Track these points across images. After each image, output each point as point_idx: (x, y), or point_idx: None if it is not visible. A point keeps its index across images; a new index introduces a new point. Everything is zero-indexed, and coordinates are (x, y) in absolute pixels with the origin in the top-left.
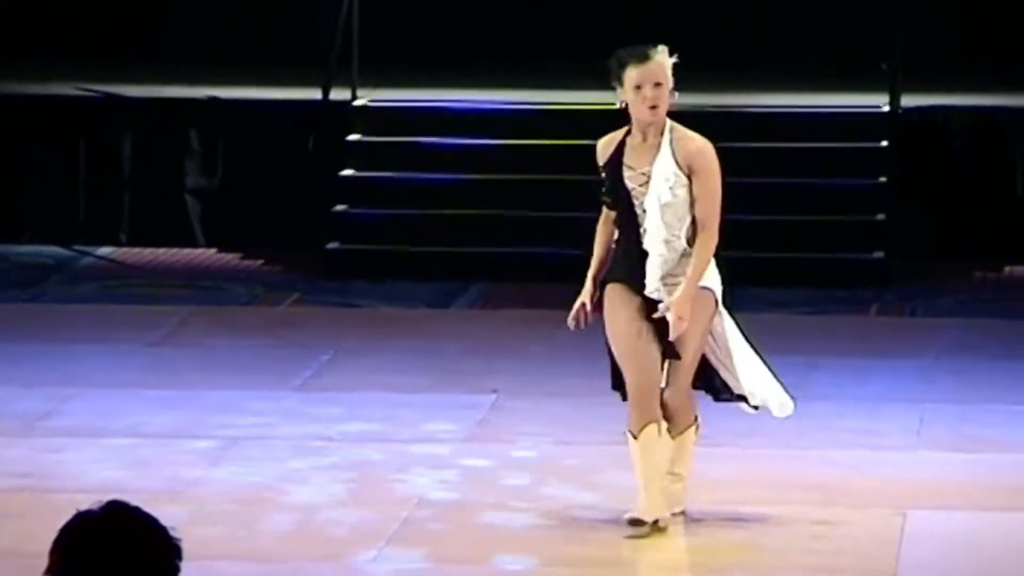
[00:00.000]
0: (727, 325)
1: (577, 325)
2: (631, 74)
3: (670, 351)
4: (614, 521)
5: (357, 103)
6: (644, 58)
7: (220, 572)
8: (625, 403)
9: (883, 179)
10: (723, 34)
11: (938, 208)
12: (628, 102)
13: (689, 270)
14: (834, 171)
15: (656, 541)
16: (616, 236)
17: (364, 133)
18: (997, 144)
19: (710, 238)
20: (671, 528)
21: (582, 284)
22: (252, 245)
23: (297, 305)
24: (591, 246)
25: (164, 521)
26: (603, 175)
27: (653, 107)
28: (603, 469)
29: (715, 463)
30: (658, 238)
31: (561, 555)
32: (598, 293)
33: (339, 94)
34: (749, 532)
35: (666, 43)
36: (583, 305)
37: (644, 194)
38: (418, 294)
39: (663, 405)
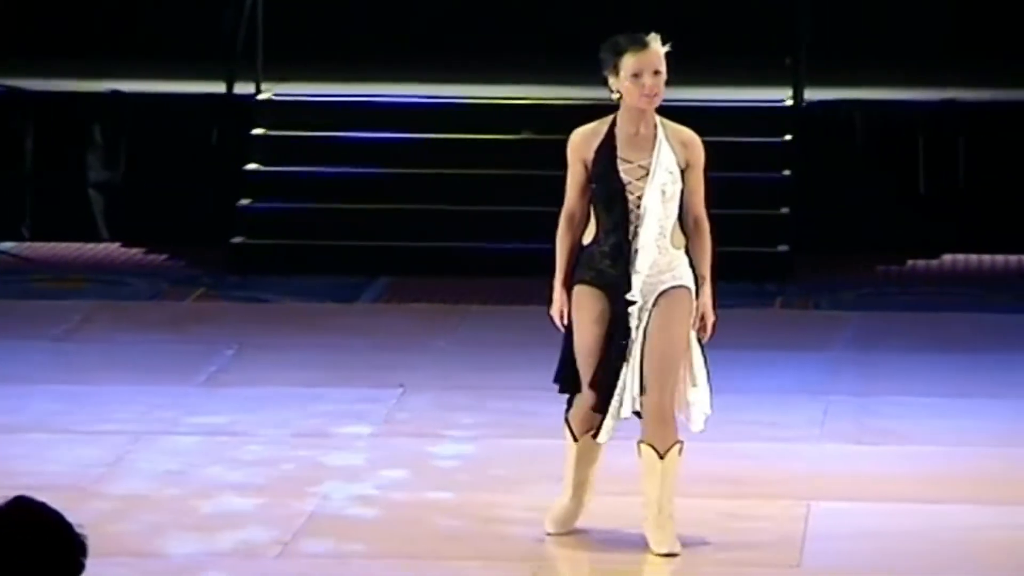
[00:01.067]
0: (694, 338)
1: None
2: (629, 61)
3: (655, 358)
4: (523, 511)
5: (261, 97)
6: (643, 45)
7: (126, 568)
8: (560, 395)
9: (787, 173)
10: (626, 28)
11: (842, 202)
12: (623, 91)
13: (701, 268)
14: (738, 165)
15: (568, 539)
16: (594, 234)
17: (268, 127)
18: (900, 138)
19: (708, 234)
20: (581, 522)
21: (486, 278)
22: (156, 239)
23: (202, 300)
24: (496, 240)
25: (69, 517)
26: (589, 168)
27: (651, 95)
28: (509, 462)
29: (622, 456)
30: (651, 237)
31: (476, 549)
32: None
33: (243, 88)
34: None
35: (568, 37)
36: (562, 322)
37: (641, 189)
38: (323, 288)
39: (645, 416)
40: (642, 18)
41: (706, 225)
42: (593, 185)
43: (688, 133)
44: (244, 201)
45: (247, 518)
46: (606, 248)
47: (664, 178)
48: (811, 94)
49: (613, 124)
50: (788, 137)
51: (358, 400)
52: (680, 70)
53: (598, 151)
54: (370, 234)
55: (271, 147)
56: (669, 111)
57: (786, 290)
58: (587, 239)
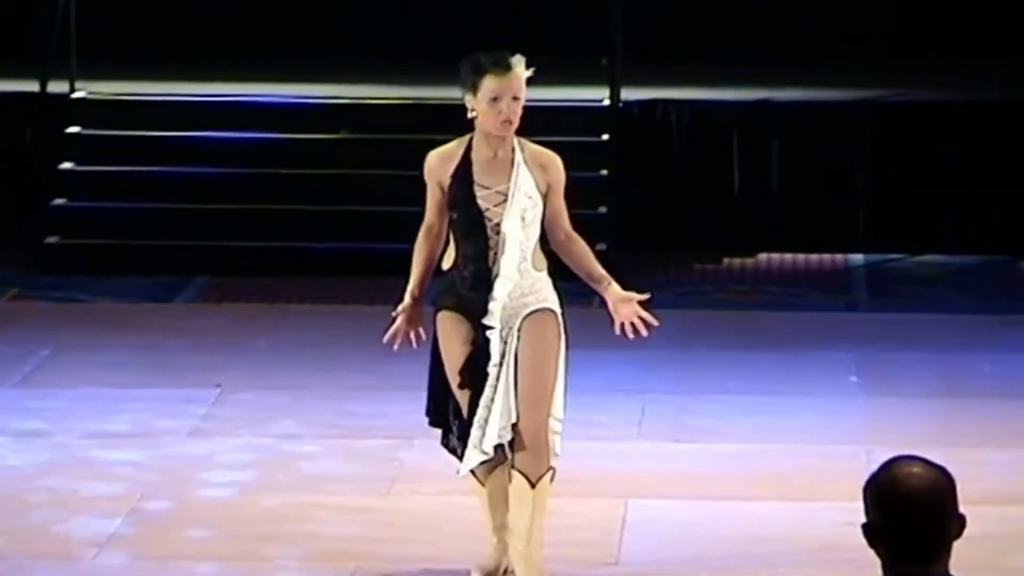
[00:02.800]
0: (561, 359)
1: (399, 345)
2: (489, 84)
3: (527, 380)
4: (337, 511)
5: (76, 95)
6: (506, 68)
7: None
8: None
9: (604, 172)
10: (441, 28)
11: (659, 201)
12: (479, 112)
13: (596, 269)
14: None
15: (382, 532)
16: (454, 260)
17: (83, 126)
18: (716, 137)
19: (583, 241)
20: (396, 522)
21: (304, 277)
22: None
23: (15, 300)
24: (314, 239)
25: None
26: (445, 191)
27: (507, 122)
28: (327, 461)
29: (434, 455)
30: (512, 263)
31: (291, 550)
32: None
33: (57, 86)
34: (470, 524)
35: (382, 36)
36: (409, 327)
37: (500, 215)
38: (140, 289)
39: (518, 441)
40: (458, 17)
41: (576, 236)
42: (451, 211)
43: (547, 155)
44: (58, 201)
45: (62, 520)
46: (466, 275)
47: (523, 203)
48: (627, 94)
49: (469, 147)
50: (605, 137)
51: (175, 400)
52: None
53: (454, 175)
54: (187, 234)
55: (86, 146)
56: None
57: None
58: (447, 263)
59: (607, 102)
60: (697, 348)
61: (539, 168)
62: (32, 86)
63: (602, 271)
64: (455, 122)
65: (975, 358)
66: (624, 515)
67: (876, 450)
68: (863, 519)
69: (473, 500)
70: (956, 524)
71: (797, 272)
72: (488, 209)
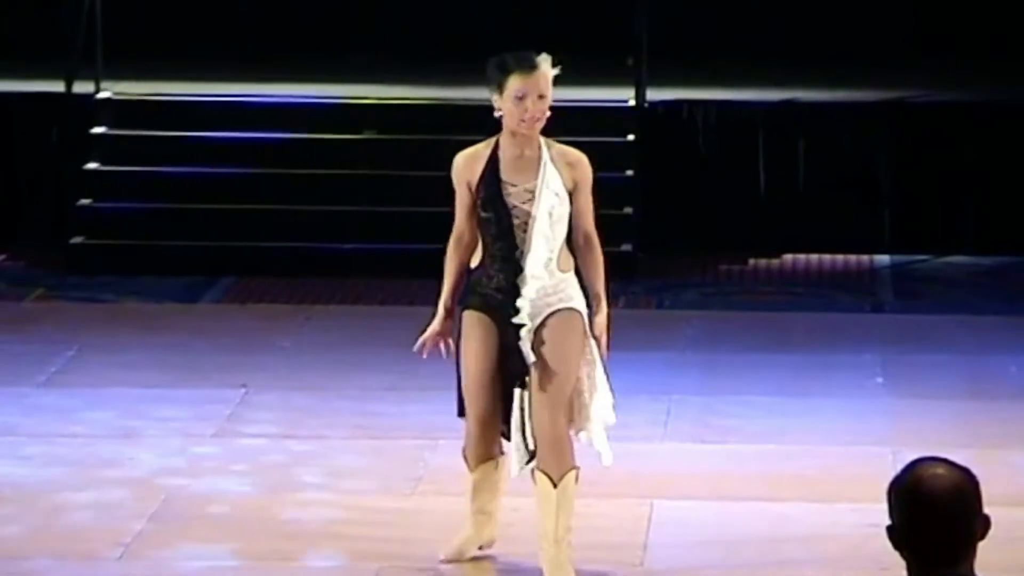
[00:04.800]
0: (594, 350)
1: (429, 353)
2: (514, 83)
3: (543, 379)
4: (369, 512)
5: (101, 96)
6: (531, 67)
7: None
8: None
9: (630, 173)
10: (467, 28)
11: (684, 202)
12: (505, 111)
13: (595, 286)
14: None
15: (407, 533)
16: (481, 259)
17: (109, 126)
18: (742, 138)
19: (599, 251)
20: (420, 523)
21: (330, 278)
22: None
23: (41, 300)
24: (339, 240)
25: None
26: (473, 192)
27: (533, 120)
28: (353, 462)
29: (459, 456)
30: (540, 260)
31: (315, 548)
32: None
33: (83, 87)
34: (498, 525)
35: (410, 37)
36: (439, 336)
37: (528, 213)
38: (165, 289)
39: (538, 441)
40: (484, 17)
41: (597, 243)
42: (481, 211)
43: (575, 154)
44: (84, 201)
45: (87, 520)
46: (492, 273)
47: (551, 201)
48: (653, 94)
49: (496, 146)
50: (631, 137)
51: (200, 401)
52: None
53: (482, 175)
54: (212, 234)
55: (111, 146)
56: None
57: (629, 290)
58: (474, 262)
59: (633, 102)
60: (722, 349)
61: (566, 166)
62: (58, 86)
63: (600, 292)
64: (481, 122)
65: (1001, 360)
66: (650, 516)
67: (902, 451)
68: (888, 521)
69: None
70: (981, 525)
71: (823, 273)
72: (516, 207)
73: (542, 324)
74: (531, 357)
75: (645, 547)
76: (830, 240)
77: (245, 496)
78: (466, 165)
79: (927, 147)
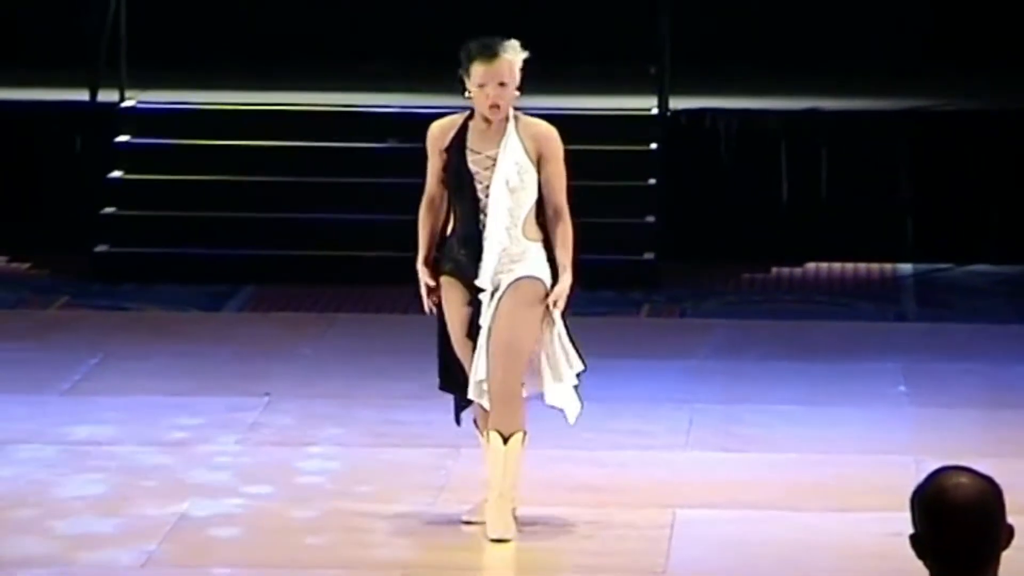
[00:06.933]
0: (556, 316)
1: (431, 309)
2: (477, 70)
3: (497, 340)
4: (388, 519)
5: (125, 104)
6: (492, 56)
7: None
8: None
9: (653, 181)
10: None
11: (707, 210)
12: (473, 95)
13: (562, 257)
14: (604, 174)
15: (429, 540)
16: (452, 223)
17: (133, 135)
18: (764, 146)
19: (568, 223)
20: (442, 532)
21: (352, 286)
22: (19, 248)
23: (65, 309)
24: (362, 248)
25: None
26: (444, 157)
27: (494, 106)
28: (375, 471)
29: (481, 464)
30: (500, 226)
31: (340, 559)
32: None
33: (107, 96)
34: (519, 533)
35: (431, 45)
36: (431, 288)
37: (489, 179)
38: (188, 297)
39: (491, 399)
40: (507, 27)
41: (567, 215)
42: (447, 176)
43: (543, 126)
44: (108, 209)
45: (109, 528)
46: (460, 237)
47: (510, 169)
48: (676, 103)
49: (469, 117)
50: (654, 146)
51: (223, 409)
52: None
53: (451, 142)
54: (235, 242)
55: (135, 155)
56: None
57: (652, 298)
58: (449, 228)
59: (655, 111)
60: (745, 358)
61: (530, 138)
62: (82, 95)
63: (567, 263)
64: None
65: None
66: (672, 524)
67: (925, 460)
68: (911, 530)
69: (519, 509)
70: (1004, 534)
71: (845, 282)
72: (478, 172)
73: (504, 290)
74: (487, 320)
75: (667, 555)
76: (852, 249)
77: (267, 503)
78: (440, 132)
79: (950, 156)
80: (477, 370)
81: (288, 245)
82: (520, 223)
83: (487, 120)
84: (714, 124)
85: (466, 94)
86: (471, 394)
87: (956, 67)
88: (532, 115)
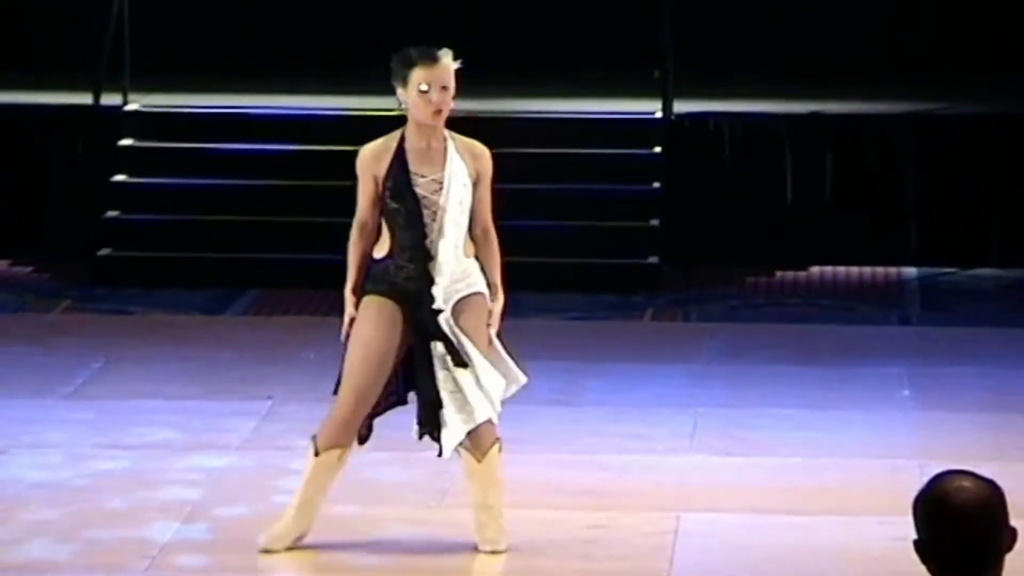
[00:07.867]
0: (492, 335)
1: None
2: (418, 74)
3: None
4: (399, 523)
5: (128, 108)
6: (433, 60)
7: None
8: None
9: (656, 185)
10: (497, 39)
11: (711, 214)
12: (411, 104)
13: (493, 277)
14: (608, 177)
15: (432, 545)
16: (388, 249)
17: (135, 138)
18: (768, 150)
19: (496, 242)
20: (444, 537)
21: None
22: (21, 252)
23: (68, 312)
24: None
25: None
26: (380, 184)
27: (437, 111)
28: (378, 472)
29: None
30: (449, 246)
31: (337, 559)
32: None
33: (110, 99)
34: (521, 537)
35: (441, 47)
36: (355, 319)
37: (436, 203)
38: (191, 301)
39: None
40: (511, 32)
41: (494, 235)
42: (389, 202)
43: (478, 146)
44: (111, 213)
45: (114, 532)
46: (402, 263)
47: (460, 190)
48: (680, 106)
49: (402, 139)
50: (657, 149)
51: (226, 413)
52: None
53: (390, 167)
54: (239, 246)
55: (138, 159)
56: (538, 123)
57: (655, 302)
58: (379, 253)
59: (659, 115)
60: (749, 361)
61: (471, 157)
62: (85, 99)
63: (497, 282)
64: (508, 134)
65: None
66: (676, 528)
67: (929, 464)
68: (915, 534)
69: (522, 513)
70: (1007, 538)
71: (849, 285)
72: (425, 197)
73: (456, 309)
74: (457, 339)
75: (671, 560)
76: (856, 252)
77: (271, 507)
78: (374, 158)
79: (954, 159)
80: (474, 394)
81: (291, 249)
82: (462, 243)
83: (425, 139)
84: (718, 128)
85: (401, 104)
86: (461, 433)
87: (960, 71)
88: (532, 118)
